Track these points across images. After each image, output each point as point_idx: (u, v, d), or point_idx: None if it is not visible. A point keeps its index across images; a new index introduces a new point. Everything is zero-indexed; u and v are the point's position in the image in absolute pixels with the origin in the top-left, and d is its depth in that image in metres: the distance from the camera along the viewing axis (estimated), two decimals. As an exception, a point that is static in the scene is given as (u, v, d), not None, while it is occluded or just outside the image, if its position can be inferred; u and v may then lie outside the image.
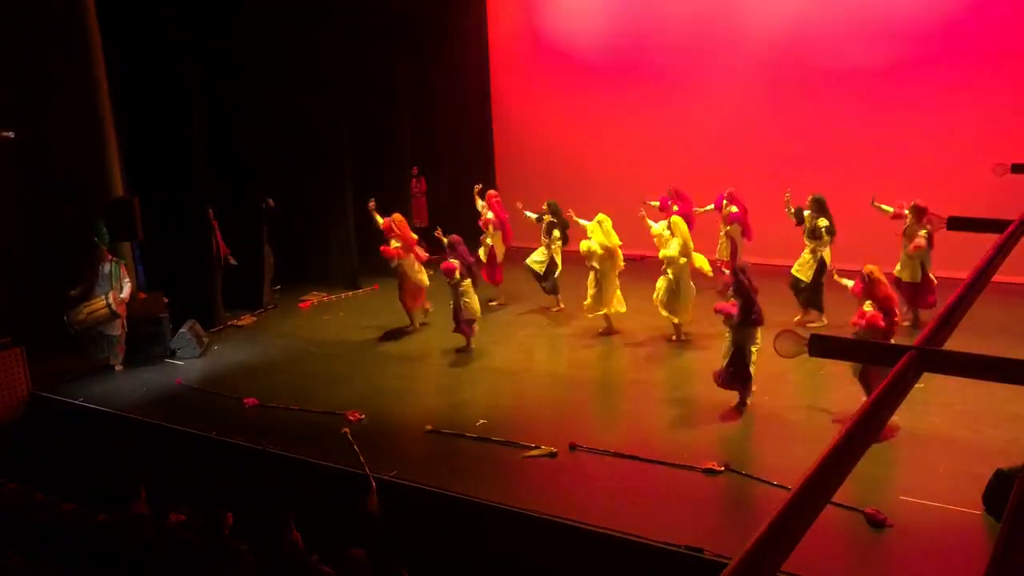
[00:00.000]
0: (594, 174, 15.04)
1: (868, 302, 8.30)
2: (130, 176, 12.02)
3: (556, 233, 12.34)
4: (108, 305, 10.64)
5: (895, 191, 11.20)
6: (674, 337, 11.04)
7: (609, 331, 11.43)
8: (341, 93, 13.91)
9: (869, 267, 8.40)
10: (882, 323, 8.14)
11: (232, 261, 12.81)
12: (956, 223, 2.59)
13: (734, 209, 12.14)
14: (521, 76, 16.24)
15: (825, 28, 13.43)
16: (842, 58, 13.32)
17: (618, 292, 11.30)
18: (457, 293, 10.87)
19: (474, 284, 11.14)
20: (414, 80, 15.02)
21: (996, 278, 2.35)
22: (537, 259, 12.47)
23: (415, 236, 11.98)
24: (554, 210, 12.41)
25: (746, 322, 8.68)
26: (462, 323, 10.95)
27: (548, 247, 12.41)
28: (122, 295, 10.82)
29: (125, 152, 11.92)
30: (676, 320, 10.91)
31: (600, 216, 11.24)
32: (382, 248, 11.79)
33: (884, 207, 10.87)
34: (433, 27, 15.45)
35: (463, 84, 15.97)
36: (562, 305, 12.53)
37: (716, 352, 10.38)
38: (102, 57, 11.43)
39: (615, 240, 11.15)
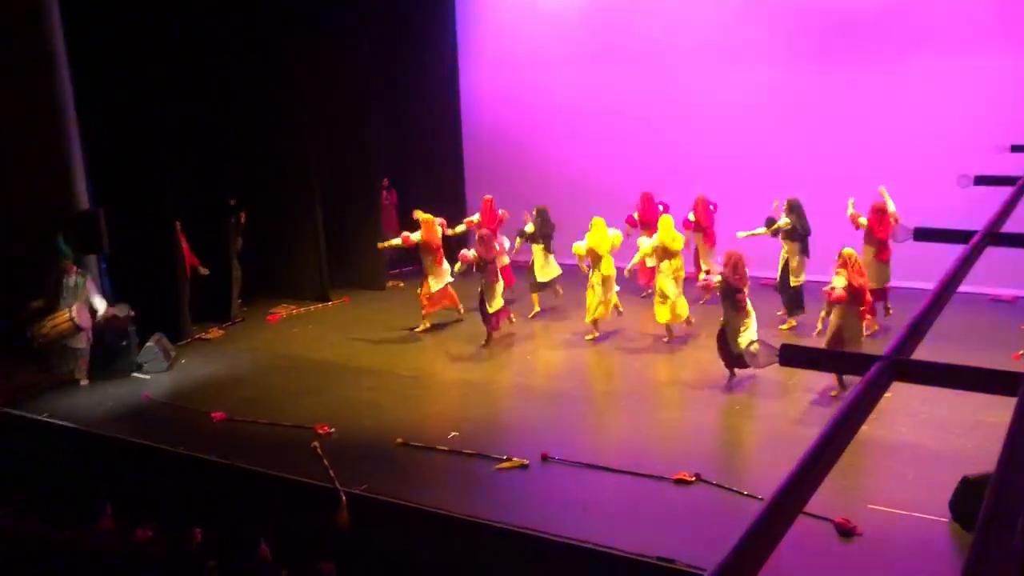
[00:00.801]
0: (565, 183, 15.02)
1: (842, 272, 8.89)
2: (96, 188, 11.86)
3: (519, 241, 12.54)
4: (71, 318, 10.47)
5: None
6: (666, 339, 11.19)
7: (595, 330, 11.52)
8: (310, 104, 13.84)
9: (847, 250, 9.23)
10: (845, 297, 8.87)
11: (203, 271, 12.59)
12: (923, 234, 2.61)
13: (691, 217, 12.37)
14: (491, 86, 16.23)
15: (804, 27, 13.43)
16: (828, 61, 13.34)
17: (613, 296, 11.41)
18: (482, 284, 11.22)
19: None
20: (383, 92, 14.98)
21: (961, 289, 2.37)
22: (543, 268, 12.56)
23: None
24: (541, 215, 12.49)
25: (725, 296, 9.35)
26: (487, 316, 11.21)
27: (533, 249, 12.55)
28: (99, 315, 10.71)
29: (90, 163, 11.77)
30: (664, 322, 11.08)
31: (594, 220, 11.43)
32: (403, 236, 12.16)
33: (888, 200, 10.95)
34: (401, 37, 15.43)
35: (433, 95, 15.95)
36: (537, 308, 12.57)
37: (691, 364, 10.47)
38: (67, 66, 11.30)
39: (604, 245, 11.28)
